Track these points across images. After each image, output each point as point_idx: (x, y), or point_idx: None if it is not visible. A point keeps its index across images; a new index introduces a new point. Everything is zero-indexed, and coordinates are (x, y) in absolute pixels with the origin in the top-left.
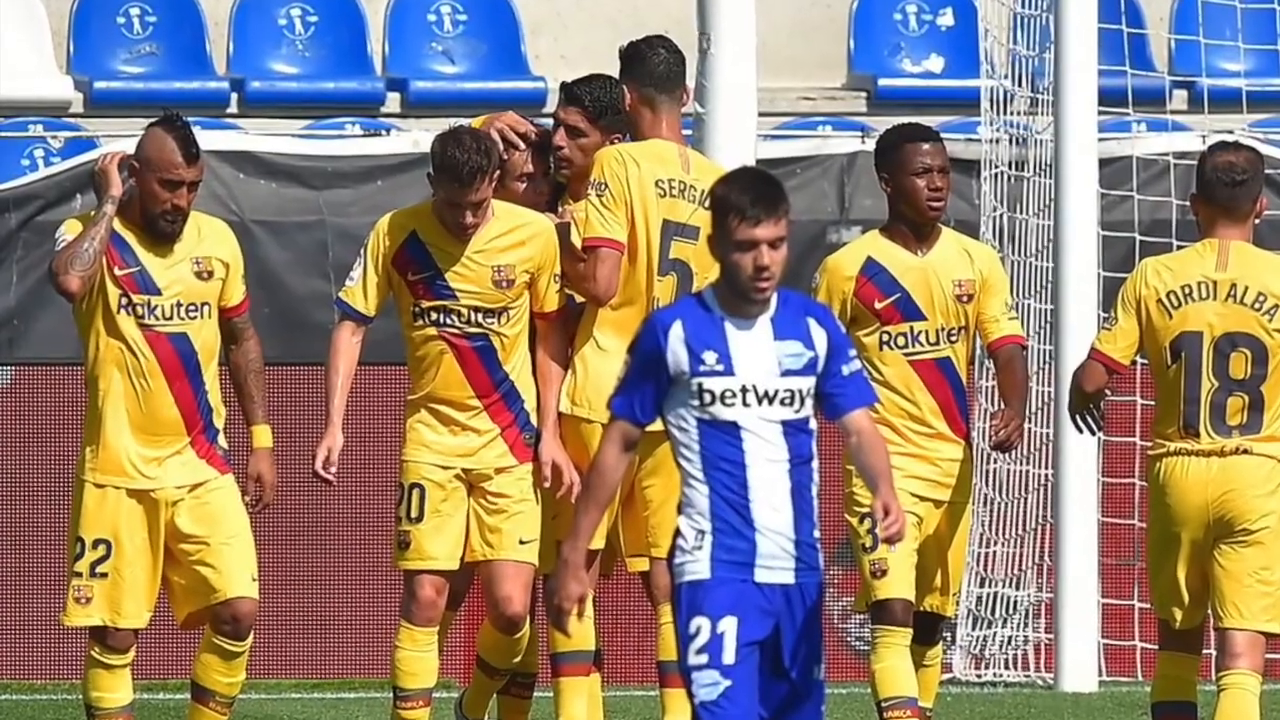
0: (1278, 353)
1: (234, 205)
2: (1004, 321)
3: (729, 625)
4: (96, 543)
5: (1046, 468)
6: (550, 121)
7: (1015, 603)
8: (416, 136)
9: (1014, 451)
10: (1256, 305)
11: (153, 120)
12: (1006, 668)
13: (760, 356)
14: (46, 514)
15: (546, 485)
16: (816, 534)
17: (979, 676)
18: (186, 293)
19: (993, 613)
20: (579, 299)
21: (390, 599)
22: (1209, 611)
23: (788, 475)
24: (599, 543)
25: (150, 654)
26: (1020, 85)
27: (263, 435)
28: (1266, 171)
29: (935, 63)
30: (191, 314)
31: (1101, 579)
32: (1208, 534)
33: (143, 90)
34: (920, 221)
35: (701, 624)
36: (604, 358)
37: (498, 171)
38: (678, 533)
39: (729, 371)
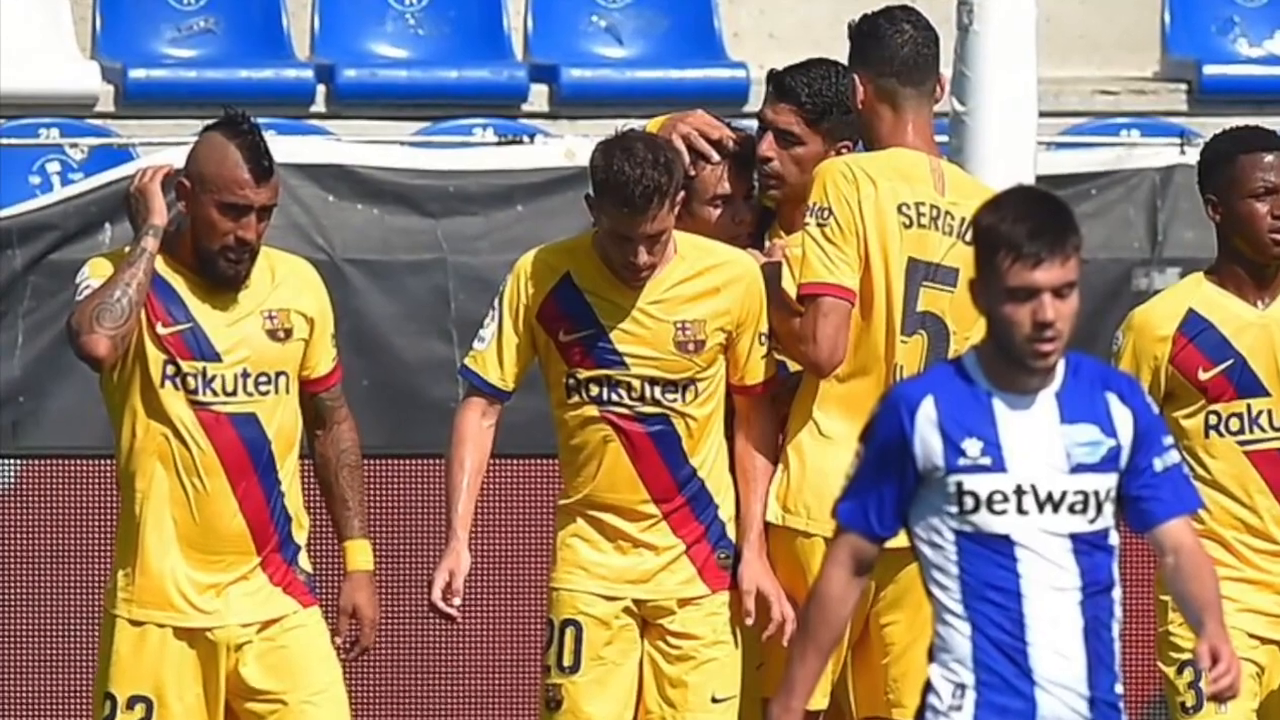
0: None
1: (321, 239)
2: None
3: None
4: (133, 701)
5: None
6: (754, 124)
7: None
8: (571, 145)
9: None
10: None
11: (210, 123)
12: None
13: (1042, 446)
14: (64, 659)
15: (749, 622)
16: (1119, 688)
17: None
18: (256, 359)
19: None
20: (793, 367)
21: None
22: None
23: (1079, 609)
24: (820, 701)
25: None
26: None
27: (360, 554)
28: None
29: None
30: (263, 387)
31: None
32: None
33: (195, 81)
34: (1261, 261)
35: None
36: (827, 448)
37: (682, 193)
38: (929, 687)
39: (999, 467)
